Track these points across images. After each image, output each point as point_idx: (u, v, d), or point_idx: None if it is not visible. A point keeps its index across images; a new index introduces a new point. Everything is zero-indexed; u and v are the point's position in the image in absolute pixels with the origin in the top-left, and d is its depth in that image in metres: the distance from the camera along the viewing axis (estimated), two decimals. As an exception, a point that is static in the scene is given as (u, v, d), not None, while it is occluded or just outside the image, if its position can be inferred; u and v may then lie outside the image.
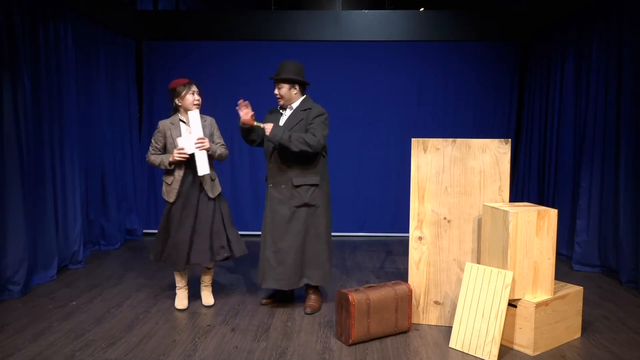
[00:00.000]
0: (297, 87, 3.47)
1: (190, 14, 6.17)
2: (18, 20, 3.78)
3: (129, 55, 5.85)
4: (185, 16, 6.14)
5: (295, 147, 3.28)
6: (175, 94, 3.40)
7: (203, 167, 3.29)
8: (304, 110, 3.46)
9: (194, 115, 3.31)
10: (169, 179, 3.42)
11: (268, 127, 3.32)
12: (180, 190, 3.40)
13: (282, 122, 3.49)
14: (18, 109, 3.77)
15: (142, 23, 6.03)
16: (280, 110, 3.56)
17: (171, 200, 3.39)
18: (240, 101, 3.39)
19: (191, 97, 3.40)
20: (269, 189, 3.53)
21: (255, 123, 3.40)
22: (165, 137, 3.43)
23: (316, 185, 3.45)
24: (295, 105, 3.50)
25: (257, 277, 3.55)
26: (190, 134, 3.32)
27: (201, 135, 3.32)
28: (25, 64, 3.88)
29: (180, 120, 3.44)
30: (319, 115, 3.41)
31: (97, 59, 5.17)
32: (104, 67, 5.28)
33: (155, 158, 3.42)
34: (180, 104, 3.42)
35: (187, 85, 3.41)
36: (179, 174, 3.39)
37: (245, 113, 3.38)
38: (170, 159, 3.34)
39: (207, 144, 3.32)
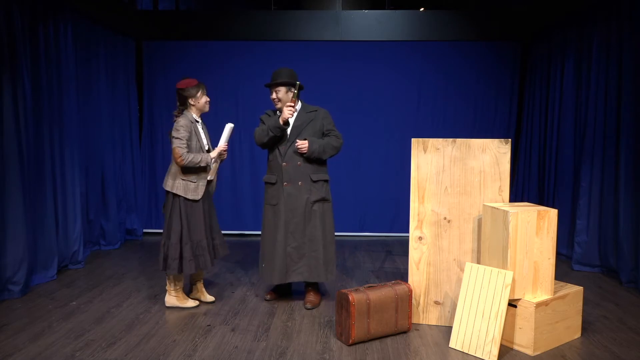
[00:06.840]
0: (292, 90, 3.59)
1: (190, 14, 6.17)
2: (18, 20, 3.78)
3: (129, 55, 5.84)
4: (185, 16, 6.14)
5: (329, 155, 3.58)
6: (190, 94, 3.48)
7: (214, 173, 3.60)
8: (310, 112, 3.63)
9: (230, 126, 3.57)
10: (193, 177, 3.47)
11: (303, 146, 3.48)
12: (205, 188, 3.55)
13: (291, 123, 3.59)
14: (18, 109, 3.77)
15: (142, 23, 6.03)
16: (278, 113, 3.63)
17: (199, 197, 3.47)
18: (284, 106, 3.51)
19: (205, 98, 3.53)
20: (283, 187, 3.54)
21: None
22: (191, 136, 3.47)
23: (327, 180, 3.66)
24: (297, 107, 3.61)
25: (268, 276, 3.59)
26: (222, 142, 3.57)
27: (226, 145, 3.60)
28: (25, 64, 3.88)
29: (195, 120, 3.53)
30: (329, 116, 3.67)
31: (97, 58, 5.16)
32: (104, 67, 5.27)
33: (195, 157, 3.41)
34: (194, 104, 3.50)
35: (200, 86, 3.51)
36: (205, 173, 3.53)
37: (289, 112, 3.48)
38: (213, 158, 3.51)
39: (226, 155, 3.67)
